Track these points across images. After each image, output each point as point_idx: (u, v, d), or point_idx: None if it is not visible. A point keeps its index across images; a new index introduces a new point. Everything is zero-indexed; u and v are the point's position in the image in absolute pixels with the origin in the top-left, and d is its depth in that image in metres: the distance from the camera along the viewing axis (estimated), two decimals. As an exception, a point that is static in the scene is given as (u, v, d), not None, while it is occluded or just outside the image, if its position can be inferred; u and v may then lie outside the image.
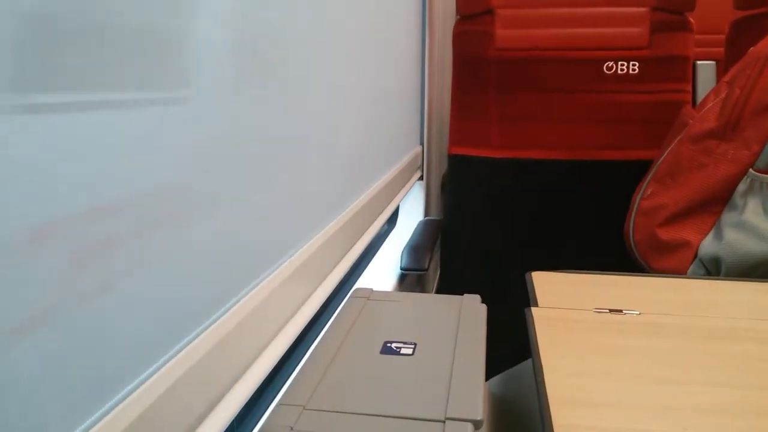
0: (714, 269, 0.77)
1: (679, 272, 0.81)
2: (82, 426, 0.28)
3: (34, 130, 0.24)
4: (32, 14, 0.23)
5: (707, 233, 0.80)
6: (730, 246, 0.75)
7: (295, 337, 0.51)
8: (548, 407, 0.39)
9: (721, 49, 1.18)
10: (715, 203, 0.80)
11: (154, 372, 0.33)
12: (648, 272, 0.86)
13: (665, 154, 0.89)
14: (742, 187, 0.77)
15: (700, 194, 0.80)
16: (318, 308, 0.57)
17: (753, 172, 0.76)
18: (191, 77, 0.36)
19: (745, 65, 0.80)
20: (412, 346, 0.49)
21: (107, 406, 0.29)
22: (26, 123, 0.23)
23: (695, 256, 0.80)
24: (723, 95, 0.82)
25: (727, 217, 0.78)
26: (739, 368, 0.44)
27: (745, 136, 0.78)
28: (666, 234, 0.83)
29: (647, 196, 0.88)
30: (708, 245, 0.78)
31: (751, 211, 0.75)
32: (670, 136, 0.91)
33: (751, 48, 0.82)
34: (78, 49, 0.26)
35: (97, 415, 0.29)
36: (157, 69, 0.32)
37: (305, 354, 0.50)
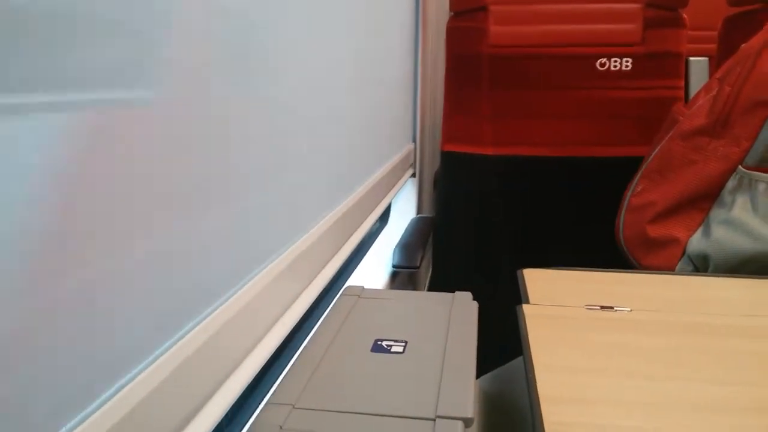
0: (702, 266, 0.78)
1: (667, 269, 0.82)
2: (68, 425, 0.27)
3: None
4: None
5: (696, 230, 0.80)
6: (718, 243, 0.75)
7: (286, 335, 0.50)
8: (539, 404, 0.39)
9: (714, 46, 1.18)
10: (704, 200, 0.80)
11: (142, 370, 0.32)
12: (638, 269, 0.87)
13: (655, 151, 0.89)
14: (731, 183, 0.77)
15: (690, 191, 0.81)
16: (309, 306, 0.56)
17: (742, 168, 0.76)
18: (163, 72, 0.35)
19: (736, 62, 0.81)
20: (403, 344, 0.49)
21: (94, 404, 0.29)
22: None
23: (684, 252, 0.80)
24: (714, 92, 0.82)
25: (716, 214, 0.78)
26: (730, 364, 0.44)
27: (734, 132, 0.78)
28: (655, 231, 0.83)
29: (637, 193, 0.89)
30: (696, 242, 0.79)
31: (739, 207, 0.75)
32: (661, 133, 0.92)
33: (743, 45, 0.82)
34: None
35: (83, 413, 0.28)
36: (122, 64, 0.31)
37: (295, 352, 0.50)
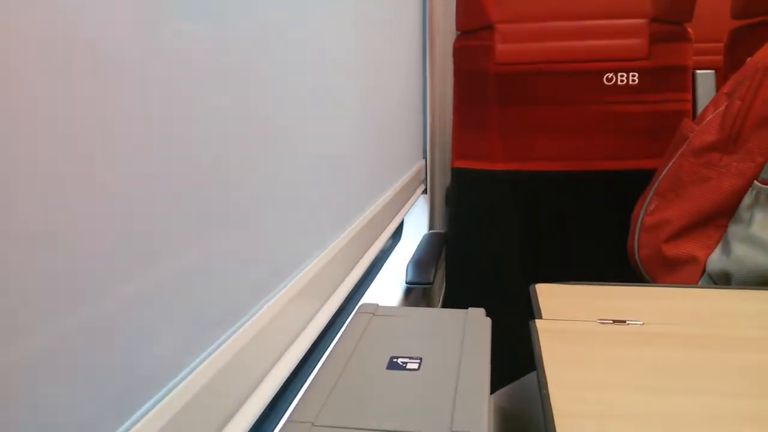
0: (723, 284, 0.76)
1: None
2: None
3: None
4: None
5: (714, 248, 0.78)
6: (739, 261, 0.74)
7: (303, 354, 0.51)
8: (552, 420, 0.40)
9: (720, 58, 1.18)
10: (720, 217, 0.78)
11: (168, 393, 0.33)
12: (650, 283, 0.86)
13: (666, 168, 0.88)
14: (747, 199, 0.76)
15: (705, 208, 0.79)
16: (325, 324, 0.57)
17: (758, 184, 0.75)
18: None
19: (744, 76, 0.80)
20: (418, 360, 0.50)
21: (120, 429, 0.30)
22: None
23: (703, 271, 0.79)
24: (722, 107, 0.82)
25: (734, 230, 0.77)
26: (745, 378, 0.44)
27: (748, 147, 0.77)
28: (672, 250, 0.82)
29: (650, 212, 0.87)
30: (716, 260, 0.77)
31: (758, 224, 0.74)
32: (671, 150, 0.91)
33: (749, 58, 0.82)
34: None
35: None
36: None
37: (313, 370, 0.51)
